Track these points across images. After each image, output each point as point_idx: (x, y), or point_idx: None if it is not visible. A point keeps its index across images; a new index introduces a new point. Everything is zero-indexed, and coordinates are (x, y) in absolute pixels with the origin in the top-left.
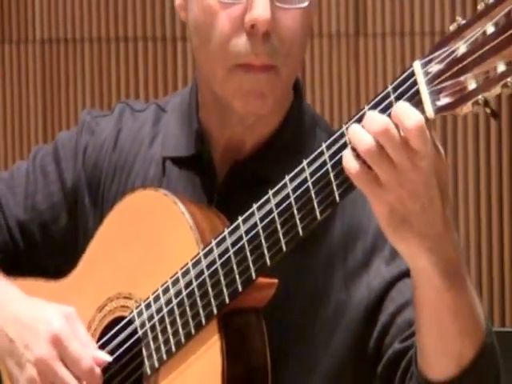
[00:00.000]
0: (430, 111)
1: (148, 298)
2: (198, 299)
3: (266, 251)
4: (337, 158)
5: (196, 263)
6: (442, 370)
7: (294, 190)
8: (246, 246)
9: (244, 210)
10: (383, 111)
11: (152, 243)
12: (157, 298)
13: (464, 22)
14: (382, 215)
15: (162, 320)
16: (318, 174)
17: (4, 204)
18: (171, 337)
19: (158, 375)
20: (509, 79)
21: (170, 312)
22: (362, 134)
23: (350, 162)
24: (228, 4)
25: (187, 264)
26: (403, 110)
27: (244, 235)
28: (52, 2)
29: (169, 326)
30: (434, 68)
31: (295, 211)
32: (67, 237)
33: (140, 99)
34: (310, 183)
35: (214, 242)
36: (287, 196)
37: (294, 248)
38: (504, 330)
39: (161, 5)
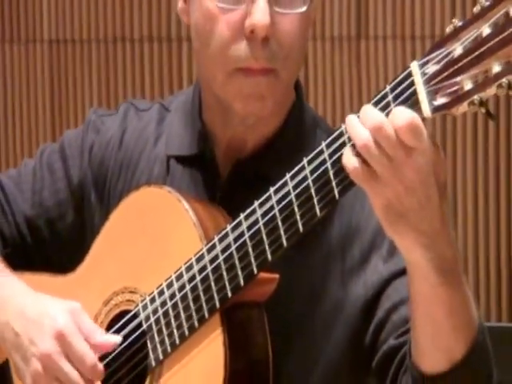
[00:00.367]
0: (427, 111)
1: (153, 293)
2: (202, 293)
3: (267, 247)
4: (336, 156)
5: (199, 258)
6: (435, 363)
7: (295, 187)
8: (248, 241)
9: (246, 207)
10: (381, 111)
11: (157, 239)
12: (161, 293)
13: (460, 23)
14: (379, 209)
15: (166, 313)
16: (318, 172)
17: (12, 200)
18: (175, 330)
19: (162, 367)
20: (504, 80)
21: (174, 306)
22: (359, 128)
23: (348, 158)
24: (227, 9)
25: (191, 259)
26: (396, 111)
27: (246, 231)
28: (60, 3)
29: (173, 320)
30: (431, 69)
31: (296, 208)
32: (74, 233)
33: (146, 98)
34: (310, 181)
35: (216, 238)
36: (288, 193)
37: (294, 246)
38: (501, 326)
39: (166, 6)
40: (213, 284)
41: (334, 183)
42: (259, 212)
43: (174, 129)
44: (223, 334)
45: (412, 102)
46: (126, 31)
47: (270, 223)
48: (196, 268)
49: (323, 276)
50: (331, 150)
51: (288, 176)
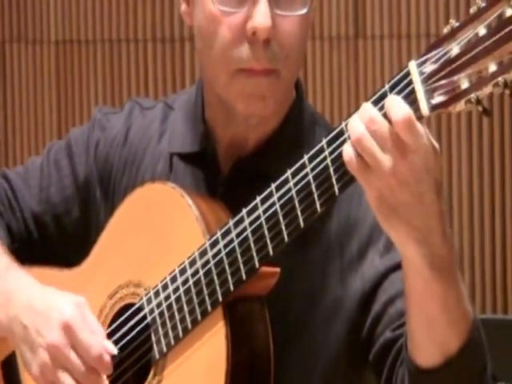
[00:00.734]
0: (424, 109)
1: (157, 286)
2: (204, 287)
3: (268, 242)
4: (336, 153)
5: (202, 253)
6: (429, 357)
7: (296, 183)
8: (250, 236)
9: (246, 203)
10: (380, 109)
11: (161, 234)
12: (165, 286)
13: (457, 24)
14: (372, 201)
15: (170, 307)
16: (319, 169)
17: (20, 197)
18: (179, 323)
19: (166, 359)
20: (500, 79)
21: (178, 299)
22: (356, 123)
23: (346, 148)
24: (229, 12)
25: (194, 254)
26: (393, 103)
27: (248, 226)
28: (66, 4)
29: (176, 313)
30: (429, 68)
31: (297, 204)
32: (79, 228)
33: (149, 97)
34: (310, 177)
35: (219, 233)
36: (289, 189)
37: (294, 242)
38: (494, 318)
39: (169, 7)
40: (215, 278)
41: (334, 179)
42: (261, 207)
43: (177, 127)
44: (225, 327)
45: (410, 101)
46: (130, 32)
47: (271, 218)
48: (199, 262)
49: (323, 271)
50: (332, 147)
51: (289, 172)
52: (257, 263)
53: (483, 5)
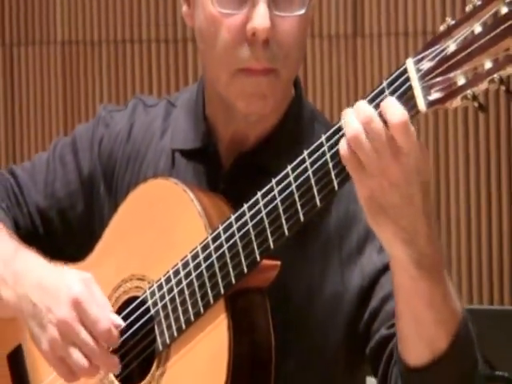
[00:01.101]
0: (421, 105)
1: (160, 279)
2: (207, 280)
3: (269, 235)
4: (335, 148)
5: (205, 247)
6: (419, 354)
7: (296, 178)
8: (251, 230)
9: (247, 198)
10: (378, 105)
11: (164, 229)
12: (168, 279)
13: (453, 22)
14: (362, 199)
15: (173, 299)
16: (318, 164)
17: (26, 192)
18: (181, 315)
19: (169, 351)
20: (495, 75)
21: (181, 292)
22: (352, 119)
23: (343, 144)
24: (229, 14)
25: (196, 248)
26: (390, 105)
27: (249, 220)
28: (72, 5)
29: (179, 305)
30: (426, 65)
31: (297, 198)
32: (83, 223)
33: (153, 96)
34: (310, 172)
35: (221, 227)
36: (289, 184)
37: (293, 237)
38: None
39: (172, 9)
40: (217, 271)
41: (333, 174)
42: (262, 202)
43: (179, 124)
44: (227, 319)
45: (407, 97)
46: (135, 33)
47: (272, 213)
48: (201, 256)
49: (322, 266)
50: (331, 142)
51: (289, 168)
52: (258, 256)
53: (479, 3)
